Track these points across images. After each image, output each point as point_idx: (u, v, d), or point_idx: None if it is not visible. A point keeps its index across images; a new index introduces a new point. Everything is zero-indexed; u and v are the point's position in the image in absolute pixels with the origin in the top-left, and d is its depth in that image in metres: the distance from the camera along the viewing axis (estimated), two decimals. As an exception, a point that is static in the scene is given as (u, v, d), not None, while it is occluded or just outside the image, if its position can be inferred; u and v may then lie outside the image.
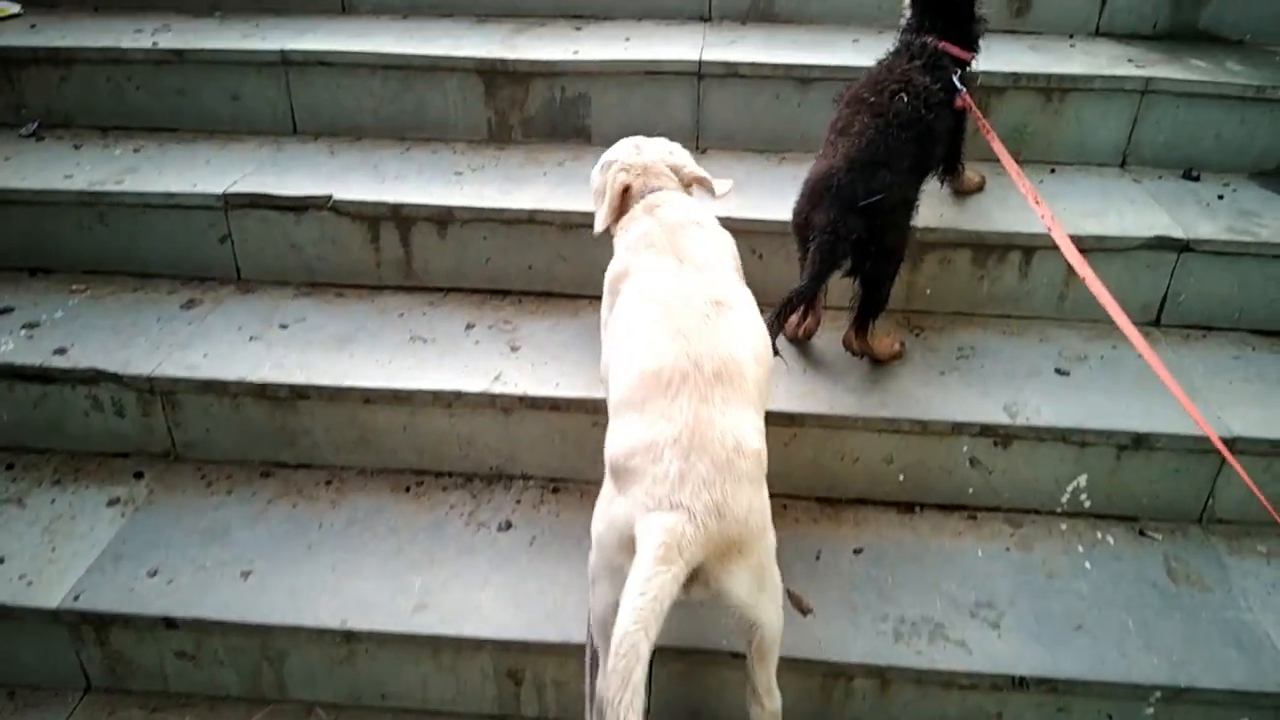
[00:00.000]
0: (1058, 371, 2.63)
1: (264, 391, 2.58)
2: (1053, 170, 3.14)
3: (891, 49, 2.65)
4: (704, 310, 1.88)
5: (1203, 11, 3.42)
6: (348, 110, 3.32)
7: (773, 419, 2.44)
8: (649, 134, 2.46)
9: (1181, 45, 3.38)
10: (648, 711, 1.80)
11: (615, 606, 1.62)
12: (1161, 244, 2.73)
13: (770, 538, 1.78)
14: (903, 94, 2.42)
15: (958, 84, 2.55)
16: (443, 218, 2.89)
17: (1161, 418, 2.46)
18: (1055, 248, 2.73)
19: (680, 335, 1.82)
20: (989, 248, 2.78)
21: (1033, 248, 2.77)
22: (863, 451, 2.51)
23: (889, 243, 2.38)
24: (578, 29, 3.52)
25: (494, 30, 3.49)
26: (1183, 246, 2.73)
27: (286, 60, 3.25)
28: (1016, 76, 3.07)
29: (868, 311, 2.47)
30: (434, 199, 2.90)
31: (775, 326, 2.30)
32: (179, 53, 3.28)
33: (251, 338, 2.76)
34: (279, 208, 2.93)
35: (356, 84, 3.28)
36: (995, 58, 3.17)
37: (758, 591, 1.74)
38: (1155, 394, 2.52)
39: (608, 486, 1.79)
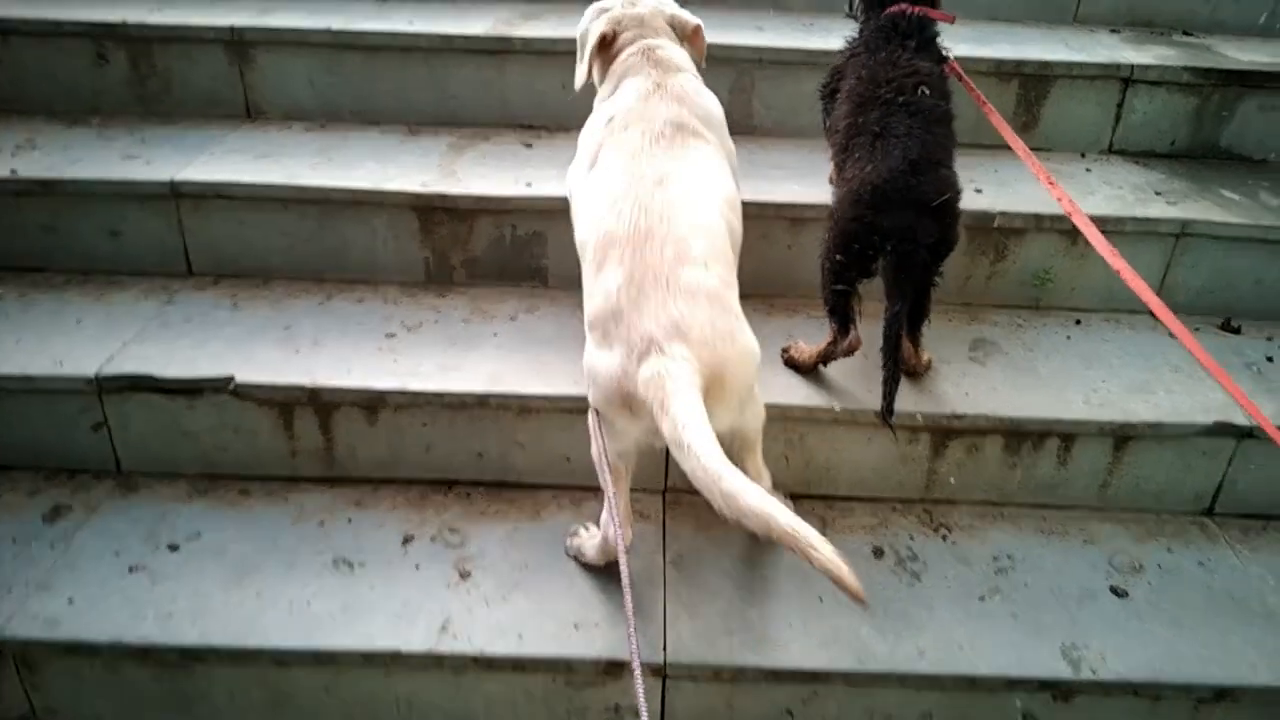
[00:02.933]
0: (1114, 591, 2.23)
1: (147, 655, 2.04)
2: (1078, 321, 2.75)
3: (866, 30, 2.42)
4: (661, 134, 1.93)
5: (1224, 130, 3.09)
6: (255, 249, 2.78)
7: (791, 678, 2.01)
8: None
9: (1205, 168, 3.05)
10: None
11: (612, 453, 1.85)
12: (1221, 430, 2.36)
13: (749, 357, 1.76)
14: (924, 87, 2.24)
15: (945, 52, 2.38)
16: (371, 403, 2.37)
17: (1242, 658, 2.07)
18: (1099, 434, 2.38)
19: (633, 159, 1.87)
20: (1023, 434, 2.38)
21: (1073, 435, 2.37)
22: (897, 709, 2.08)
23: (953, 239, 2.24)
24: (528, 145, 3.03)
25: (429, 147, 2.98)
26: (1244, 433, 2.36)
27: (177, 192, 2.69)
28: (1039, 218, 2.68)
29: (920, 318, 2.37)
30: (359, 379, 2.38)
31: (893, 370, 2.19)
32: (44, 183, 2.70)
33: (132, 568, 2.20)
34: (167, 391, 2.37)
35: (263, 220, 2.73)
36: (1012, 192, 2.78)
37: (739, 414, 1.80)
38: (1230, 622, 2.16)
39: (589, 341, 1.80)
